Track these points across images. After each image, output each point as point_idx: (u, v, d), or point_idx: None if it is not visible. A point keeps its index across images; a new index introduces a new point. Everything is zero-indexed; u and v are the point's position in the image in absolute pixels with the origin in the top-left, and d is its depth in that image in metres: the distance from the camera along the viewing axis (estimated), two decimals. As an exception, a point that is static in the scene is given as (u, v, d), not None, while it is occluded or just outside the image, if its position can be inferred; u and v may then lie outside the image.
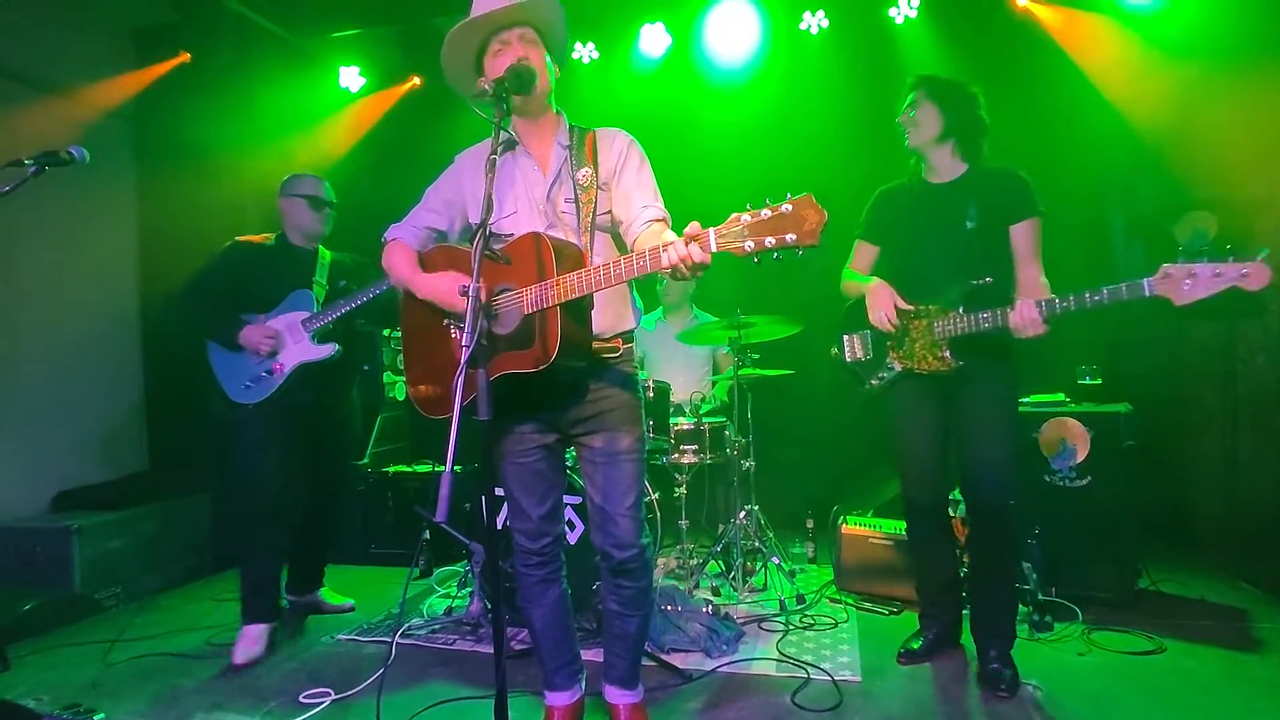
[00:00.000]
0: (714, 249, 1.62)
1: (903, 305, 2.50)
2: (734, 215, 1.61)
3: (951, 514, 3.74)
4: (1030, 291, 2.41)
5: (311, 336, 2.99)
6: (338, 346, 3.01)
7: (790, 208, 1.55)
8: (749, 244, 1.58)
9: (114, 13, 4.24)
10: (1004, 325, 2.29)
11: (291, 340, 2.99)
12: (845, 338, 2.74)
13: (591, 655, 2.52)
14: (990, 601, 2.58)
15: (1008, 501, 2.48)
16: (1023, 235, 2.48)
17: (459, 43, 1.99)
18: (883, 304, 2.51)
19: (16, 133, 3.45)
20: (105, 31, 4.25)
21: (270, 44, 4.67)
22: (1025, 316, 2.23)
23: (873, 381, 2.65)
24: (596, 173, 2.01)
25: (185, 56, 4.43)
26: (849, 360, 2.73)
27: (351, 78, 4.96)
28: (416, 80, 5.00)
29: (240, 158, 4.64)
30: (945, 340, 2.45)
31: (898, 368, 2.58)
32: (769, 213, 1.56)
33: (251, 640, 2.91)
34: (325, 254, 3.21)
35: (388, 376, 4.42)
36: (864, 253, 2.77)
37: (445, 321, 2.01)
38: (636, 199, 1.99)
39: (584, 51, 4.71)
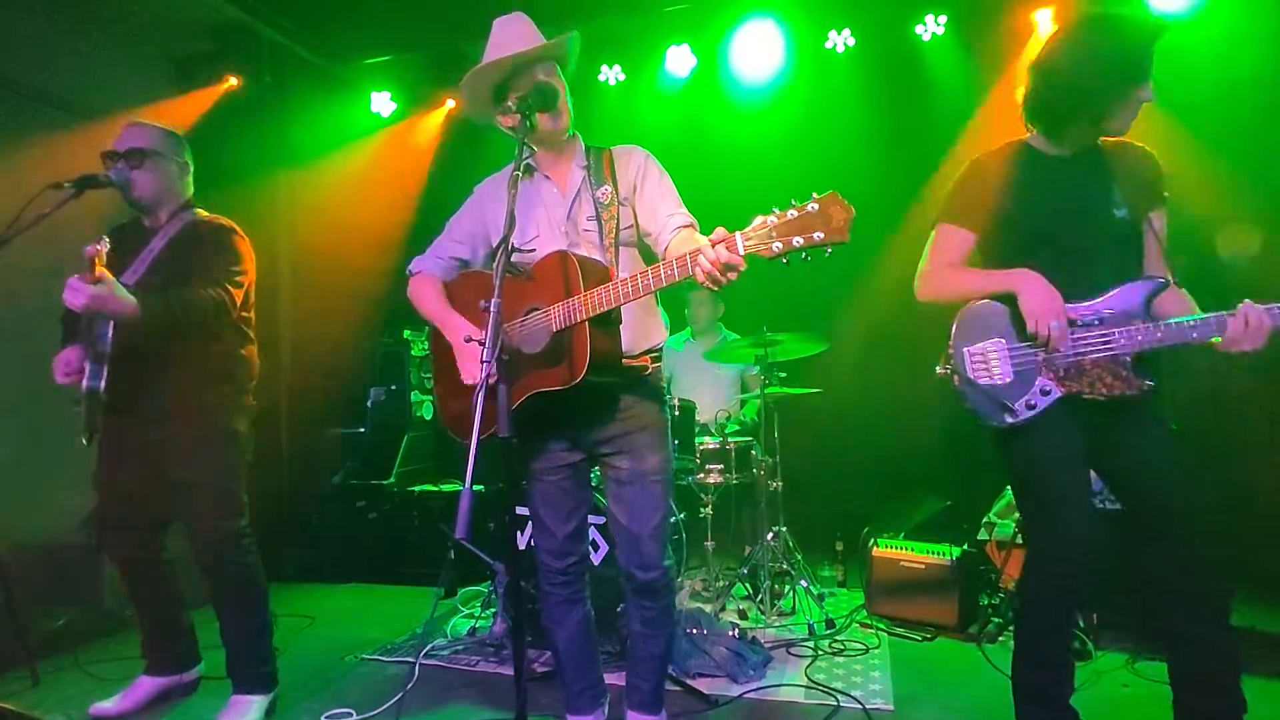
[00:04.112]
0: (741, 251, 1.58)
1: (1071, 313, 1.92)
2: (759, 218, 1.58)
3: (986, 537, 3.66)
4: (1172, 296, 1.96)
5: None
6: (90, 369, 2.32)
7: (816, 206, 1.53)
8: (777, 245, 1.55)
9: (156, 43, 4.38)
10: (1210, 336, 1.83)
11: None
12: (967, 351, 2.01)
13: (615, 679, 2.47)
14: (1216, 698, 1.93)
15: (1217, 555, 1.91)
16: (1160, 226, 2.00)
17: (482, 79, 2.00)
18: (1050, 306, 1.88)
19: (62, 159, 3.55)
20: (147, 61, 4.39)
21: (305, 71, 4.80)
22: (1255, 324, 1.78)
23: (1015, 413, 1.94)
24: (616, 189, 2.01)
25: (230, 82, 4.55)
26: (982, 383, 1.98)
27: (383, 103, 5.07)
28: (448, 105, 5.09)
29: (276, 181, 4.77)
30: (1132, 356, 1.91)
31: (1057, 392, 1.93)
32: (795, 212, 1.54)
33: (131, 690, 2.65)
34: (198, 218, 2.57)
35: (415, 396, 4.46)
36: (952, 242, 2.07)
37: (469, 340, 2.01)
38: (661, 209, 1.98)
39: (610, 74, 4.75)
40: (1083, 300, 1.94)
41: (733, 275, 1.60)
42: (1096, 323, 1.93)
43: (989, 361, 1.99)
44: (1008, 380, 1.96)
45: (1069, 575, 1.95)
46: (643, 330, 2.02)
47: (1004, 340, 1.98)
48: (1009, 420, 1.95)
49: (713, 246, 1.59)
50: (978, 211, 2.05)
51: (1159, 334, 1.88)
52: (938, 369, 2.07)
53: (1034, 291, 1.91)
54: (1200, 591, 1.90)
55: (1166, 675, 2.47)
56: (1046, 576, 1.99)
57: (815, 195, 1.53)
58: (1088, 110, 1.94)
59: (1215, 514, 1.92)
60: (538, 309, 1.87)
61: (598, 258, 1.95)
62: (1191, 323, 1.84)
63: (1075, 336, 1.93)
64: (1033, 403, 1.94)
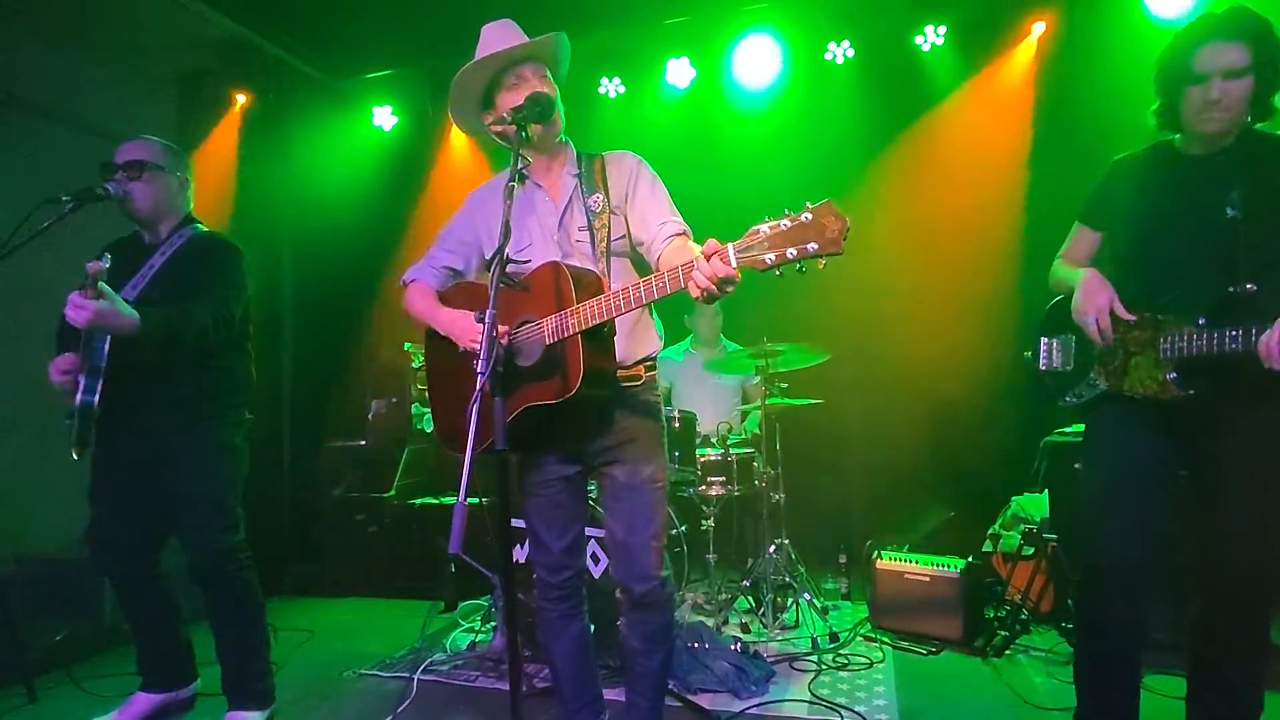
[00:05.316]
0: (734, 264, 1.55)
1: (1122, 312, 1.95)
2: (752, 228, 1.54)
3: (991, 549, 3.62)
4: None
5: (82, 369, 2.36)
6: (85, 382, 2.32)
7: (810, 216, 1.49)
8: (770, 256, 1.51)
9: (161, 60, 4.41)
10: (1251, 348, 1.77)
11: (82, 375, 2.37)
12: (1044, 341, 2.21)
13: (614, 695, 2.44)
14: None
15: (1266, 592, 1.90)
16: None
17: (470, 79, 2.01)
18: (1094, 300, 1.97)
19: (67, 176, 3.57)
20: (152, 78, 4.42)
21: (308, 86, 4.84)
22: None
23: (1067, 398, 2.14)
24: (608, 197, 2.00)
25: (234, 98, 4.60)
26: (1044, 368, 2.21)
27: (384, 116, 5.10)
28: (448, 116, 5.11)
29: (278, 195, 4.79)
30: (1173, 361, 1.91)
31: (1101, 385, 2.05)
32: (789, 222, 1.50)
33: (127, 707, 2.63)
34: (198, 233, 2.58)
35: (415, 408, 4.45)
36: (1082, 240, 2.19)
37: (464, 351, 2.00)
38: (653, 217, 1.97)
39: (610, 86, 4.77)
40: (1150, 304, 1.95)
41: (730, 289, 1.57)
42: (1149, 325, 1.95)
43: (1057, 351, 2.19)
44: (1068, 370, 2.15)
45: (1099, 549, 2.02)
46: (636, 340, 2.00)
47: (1074, 335, 2.13)
48: (1061, 403, 2.16)
49: (706, 259, 1.55)
50: (1106, 211, 2.14)
51: (1199, 341, 1.87)
52: (1026, 354, 2.26)
53: (1083, 287, 2.00)
54: (1243, 606, 1.92)
55: (1174, 689, 2.43)
56: (1087, 555, 2.08)
57: (809, 204, 1.49)
58: (1163, 112, 2.00)
59: (1270, 550, 1.87)
60: (530, 320, 1.86)
61: (590, 268, 1.93)
62: (1232, 333, 1.82)
63: (1130, 336, 1.98)
64: (1080, 393, 2.11)
